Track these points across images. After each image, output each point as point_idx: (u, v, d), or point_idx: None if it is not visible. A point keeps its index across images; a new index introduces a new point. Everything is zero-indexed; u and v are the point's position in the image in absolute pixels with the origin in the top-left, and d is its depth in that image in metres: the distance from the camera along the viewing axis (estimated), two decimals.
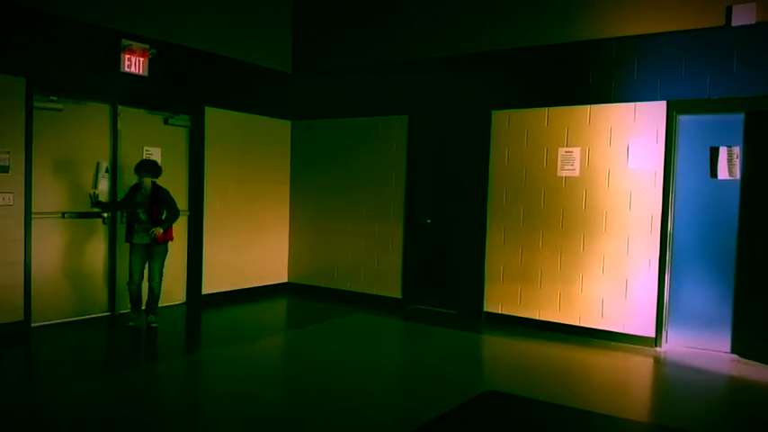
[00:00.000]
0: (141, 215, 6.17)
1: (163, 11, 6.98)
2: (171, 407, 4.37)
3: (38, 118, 6.05)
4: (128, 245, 6.31)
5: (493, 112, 6.99)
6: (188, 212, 7.46)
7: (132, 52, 6.60)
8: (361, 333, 6.49)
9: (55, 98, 6.15)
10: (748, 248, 5.83)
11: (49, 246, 6.25)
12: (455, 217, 7.42)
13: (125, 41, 6.54)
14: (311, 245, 8.47)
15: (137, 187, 6.22)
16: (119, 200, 6.47)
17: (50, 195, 6.24)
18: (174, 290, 7.40)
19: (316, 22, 8.39)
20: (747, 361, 5.69)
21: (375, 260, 7.86)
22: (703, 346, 6.01)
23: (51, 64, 6.04)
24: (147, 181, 6.16)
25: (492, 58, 7.03)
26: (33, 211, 6.01)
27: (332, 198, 8.26)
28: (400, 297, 7.69)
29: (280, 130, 8.51)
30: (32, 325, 6.07)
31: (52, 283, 6.30)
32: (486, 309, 7.06)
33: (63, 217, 6.34)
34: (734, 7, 5.68)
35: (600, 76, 6.39)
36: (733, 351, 5.88)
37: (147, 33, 6.78)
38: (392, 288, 7.75)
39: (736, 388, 5.10)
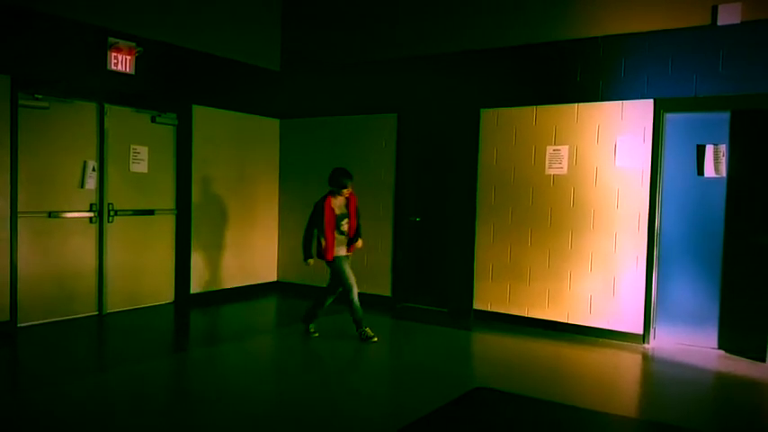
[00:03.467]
0: (343, 226, 6.04)
1: (150, 9, 6.93)
2: (159, 406, 4.35)
3: (23, 116, 5.99)
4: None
5: (481, 110, 7.01)
6: (175, 212, 7.42)
7: (119, 50, 6.54)
8: (350, 331, 6.48)
9: (41, 96, 6.09)
10: (734, 245, 5.88)
11: (36, 245, 6.19)
12: (444, 215, 7.43)
13: (112, 39, 6.49)
14: (300, 243, 8.42)
15: (327, 201, 5.98)
16: (309, 225, 6.12)
17: (37, 195, 6.18)
18: (161, 289, 7.36)
19: (304, 19, 8.37)
20: (734, 357, 5.75)
21: (364, 258, 7.85)
22: (691, 343, 6.06)
23: (37, 62, 5.99)
24: (348, 190, 6.02)
25: (481, 56, 7.04)
26: (19, 210, 5.95)
27: (321, 196, 8.21)
28: (390, 295, 7.69)
29: (268, 128, 8.48)
30: (19, 325, 6.02)
31: (39, 283, 6.24)
32: (475, 306, 7.09)
33: (49, 216, 6.29)
34: (719, 7, 5.73)
35: (587, 75, 6.42)
36: (720, 347, 5.94)
37: (133, 31, 6.73)
38: (382, 286, 7.75)
39: (723, 384, 5.15)
